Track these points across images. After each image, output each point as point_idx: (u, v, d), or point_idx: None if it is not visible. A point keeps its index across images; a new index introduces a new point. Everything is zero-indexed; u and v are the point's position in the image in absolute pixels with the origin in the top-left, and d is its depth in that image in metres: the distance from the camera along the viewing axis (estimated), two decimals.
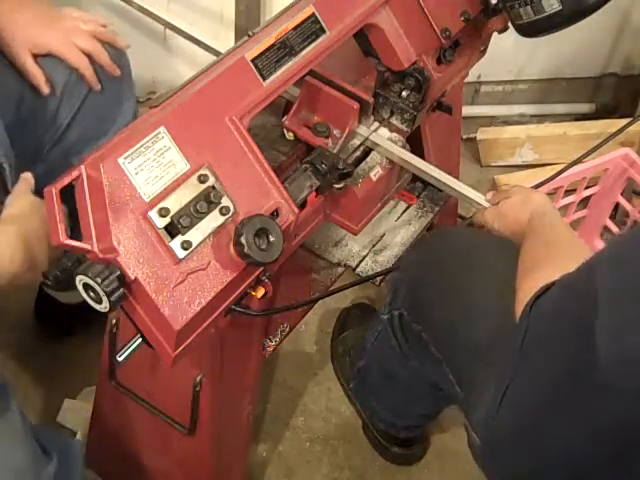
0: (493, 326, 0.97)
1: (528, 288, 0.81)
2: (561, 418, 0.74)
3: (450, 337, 1.07)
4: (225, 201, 0.86)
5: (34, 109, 1.15)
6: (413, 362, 1.19)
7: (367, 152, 1.17)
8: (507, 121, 2.12)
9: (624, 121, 1.25)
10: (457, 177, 1.21)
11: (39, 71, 1.13)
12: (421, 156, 1.23)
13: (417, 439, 1.47)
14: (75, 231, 0.81)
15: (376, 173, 1.15)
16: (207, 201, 0.85)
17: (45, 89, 1.14)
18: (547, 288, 0.77)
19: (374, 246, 1.40)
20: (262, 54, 0.97)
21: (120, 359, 0.90)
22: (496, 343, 0.93)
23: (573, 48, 2.03)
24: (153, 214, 0.82)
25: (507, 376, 0.80)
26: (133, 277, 0.79)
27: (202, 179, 0.86)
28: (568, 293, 0.74)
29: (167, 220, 0.83)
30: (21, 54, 1.12)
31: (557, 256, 0.89)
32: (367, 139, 1.16)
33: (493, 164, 2.03)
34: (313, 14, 1.02)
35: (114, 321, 1.04)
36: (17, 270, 0.86)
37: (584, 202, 1.76)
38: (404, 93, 1.18)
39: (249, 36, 0.99)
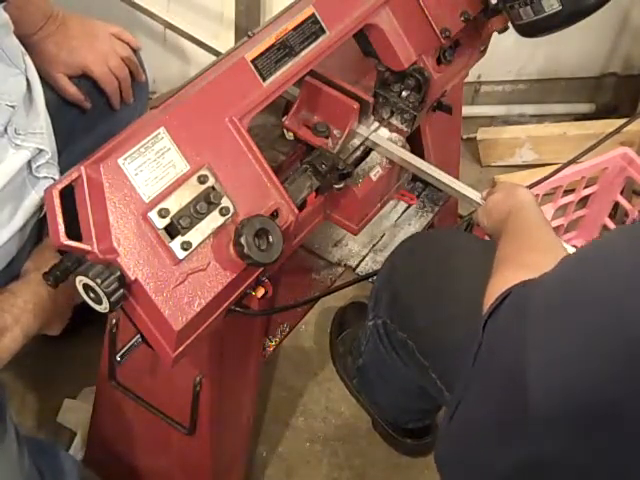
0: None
1: (493, 287, 0.79)
2: (498, 447, 0.72)
3: (435, 343, 1.06)
4: (225, 202, 0.87)
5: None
6: (402, 368, 1.18)
7: (367, 152, 1.17)
8: (507, 121, 2.12)
9: (624, 121, 1.25)
10: (457, 177, 1.21)
11: (77, 91, 1.18)
12: (421, 156, 1.23)
13: (428, 429, 1.46)
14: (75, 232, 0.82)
15: (376, 173, 1.15)
16: (207, 202, 0.85)
17: (87, 105, 1.21)
18: (504, 298, 0.74)
19: (374, 246, 1.41)
20: (262, 54, 0.97)
21: (120, 359, 0.90)
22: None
23: (573, 48, 2.03)
24: (153, 215, 0.82)
25: (460, 391, 0.78)
26: (133, 278, 0.79)
27: (202, 180, 0.86)
28: (514, 311, 0.72)
29: (167, 221, 0.83)
30: (57, 78, 1.16)
31: (523, 252, 0.86)
32: (367, 139, 1.16)
33: (493, 164, 2.03)
34: (313, 14, 1.02)
35: (114, 321, 1.04)
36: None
37: (583, 201, 1.76)
38: (404, 93, 1.18)
39: (249, 36, 0.99)
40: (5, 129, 0.92)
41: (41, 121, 0.98)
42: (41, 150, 0.97)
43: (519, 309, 0.70)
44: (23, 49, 1.01)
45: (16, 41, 1.00)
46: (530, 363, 0.65)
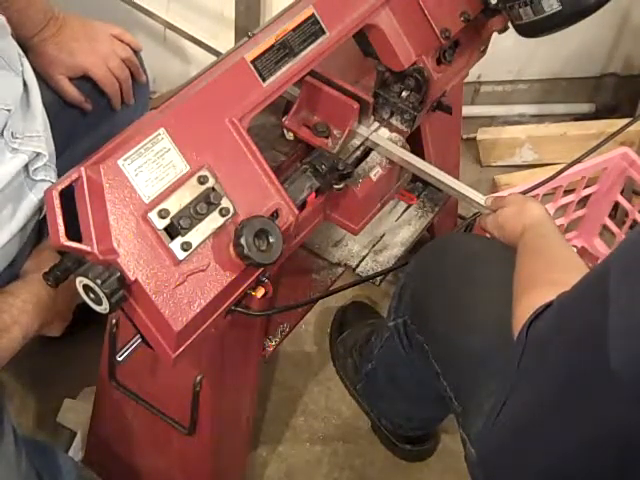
0: (494, 338, 0.95)
1: (524, 308, 0.80)
2: (562, 428, 0.73)
3: (449, 350, 1.05)
4: (225, 202, 0.87)
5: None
6: (419, 370, 1.17)
7: (367, 152, 1.17)
8: (507, 121, 2.12)
9: (624, 121, 1.25)
10: (457, 177, 1.21)
11: (78, 92, 1.18)
12: (421, 156, 1.23)
13: (428, 435, 1.47)
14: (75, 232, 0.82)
15: (376, 173, 1.15)
16: (207, 202, 0.85)
17: (87, 107, 1.20)
18: (545, 307, 0.76)
19: (374, 246, 1.40)
20: (262, 55, 0.96)
21: (120, 359, 0.90)
22: (498, 355, 0.92)
23: (573, 48, 2.03)
24: (153, 215, 0.82)
25: (505, 391, 0.80)
26: (133, 278, 0.79)
27: (202, 180, 0.86)
28: (571, 307, 0.72)
29: (167, 221, 0.83)
30: (58, 79, 1.16)
31: (549, 271, 0.88)
32: (367, 139, 1.16)
33: (493, 164, 2.03)
34: (313, 15, 1.02)
35: (114, 321, 1.04)
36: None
37: (583, 201, 1.76)
38: (404, 93, 1.18)
39: (249, 37, 0.99)
40: (1, 133, 0.91)
41: (38, 124, 0.98)
42: (38, 153, 0.96)
43: (585, 295, 0.70)
44: (20, 51, 1.01)
45: (13, 43, 0.99)
46: (610, 331, 0.63)
